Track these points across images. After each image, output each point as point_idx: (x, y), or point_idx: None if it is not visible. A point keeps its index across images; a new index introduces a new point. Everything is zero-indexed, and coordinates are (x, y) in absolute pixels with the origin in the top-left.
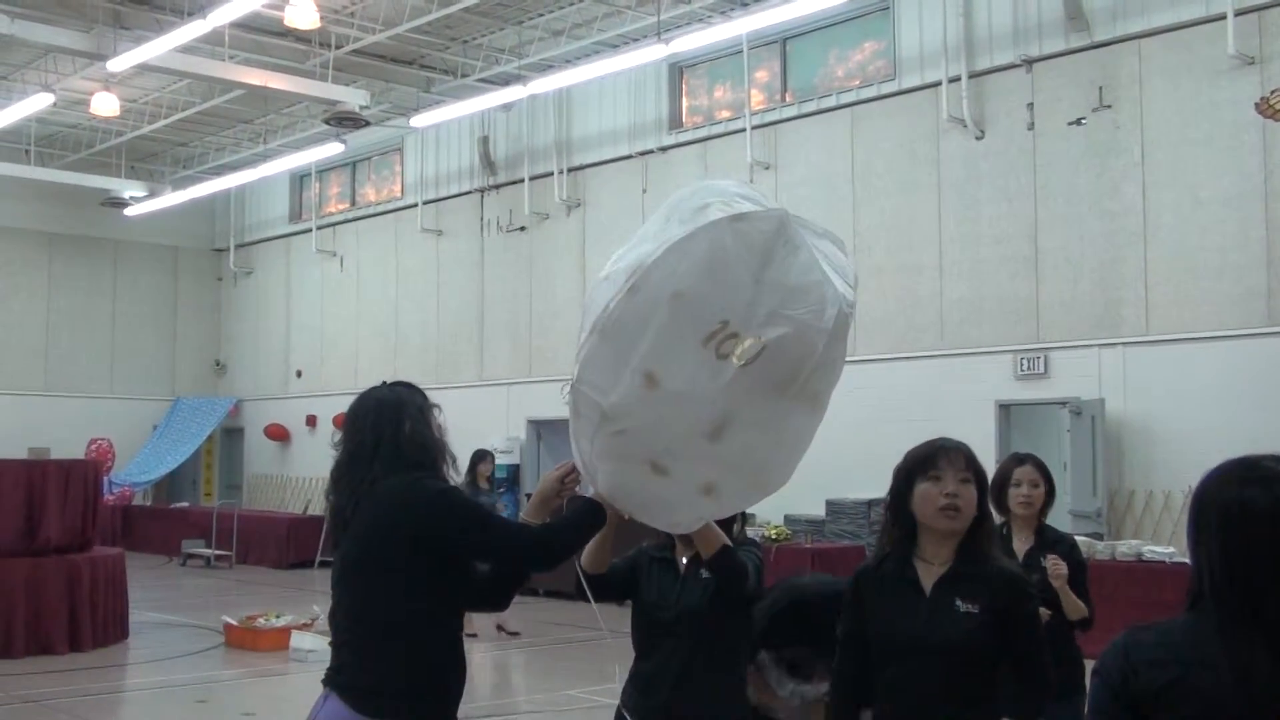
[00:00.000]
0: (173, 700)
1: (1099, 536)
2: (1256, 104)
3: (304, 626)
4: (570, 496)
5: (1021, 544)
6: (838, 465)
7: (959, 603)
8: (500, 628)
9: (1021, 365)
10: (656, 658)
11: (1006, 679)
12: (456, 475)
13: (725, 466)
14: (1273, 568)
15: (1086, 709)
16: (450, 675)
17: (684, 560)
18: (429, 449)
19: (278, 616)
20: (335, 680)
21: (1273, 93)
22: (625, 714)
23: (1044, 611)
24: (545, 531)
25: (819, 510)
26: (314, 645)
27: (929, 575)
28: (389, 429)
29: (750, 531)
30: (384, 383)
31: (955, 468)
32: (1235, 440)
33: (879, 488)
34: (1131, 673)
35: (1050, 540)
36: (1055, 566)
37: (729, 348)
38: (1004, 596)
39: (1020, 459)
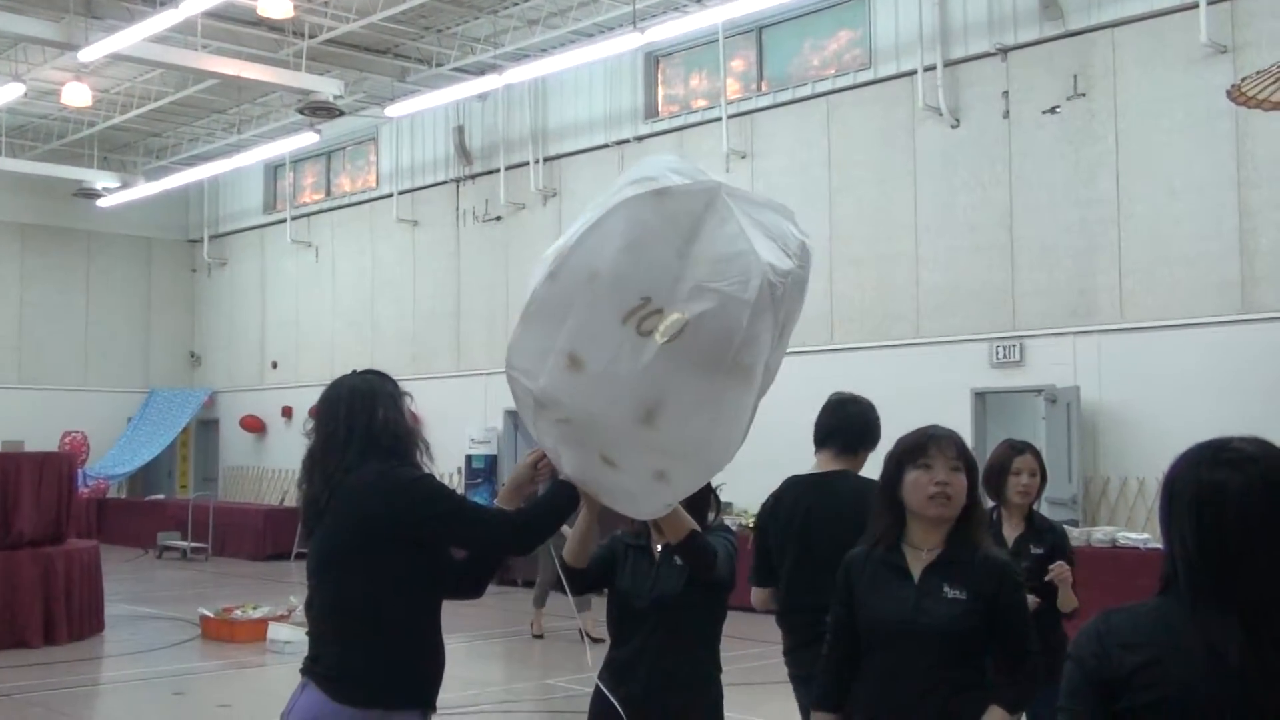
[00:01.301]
0: (149, 693)
1: (1074, 523)
2: (1229, 92)
3: (281, 618)
4: (544, 482)
5: (1011, 530)
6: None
7: (946, 589)
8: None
9: (997, 353)
10: (631, 645)
11: (996, 666)
12: (430, 463)
13: (668, 452)
14: (1244, 549)
15: (1061, 691)
16: (429, 663)
17: (659, 548)
18: (402, 437)
19: (254, 608)
20: (313, 670)
21: (1245, 80)
22: (604, 689)
23: (1032, 599)
24: (519, 515)
25: None
26: (291, 636)
27: (918, 562)
28: (362, 417)
29: (728, 520)
30: (355, 371)
31: (946, 456)
32: (1209, 427)
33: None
34: (1104, 655)
35: (1040, 528)
36: (1060, 571)
37: (651, 324)
38: (992, 584)
39: (1019, 448)
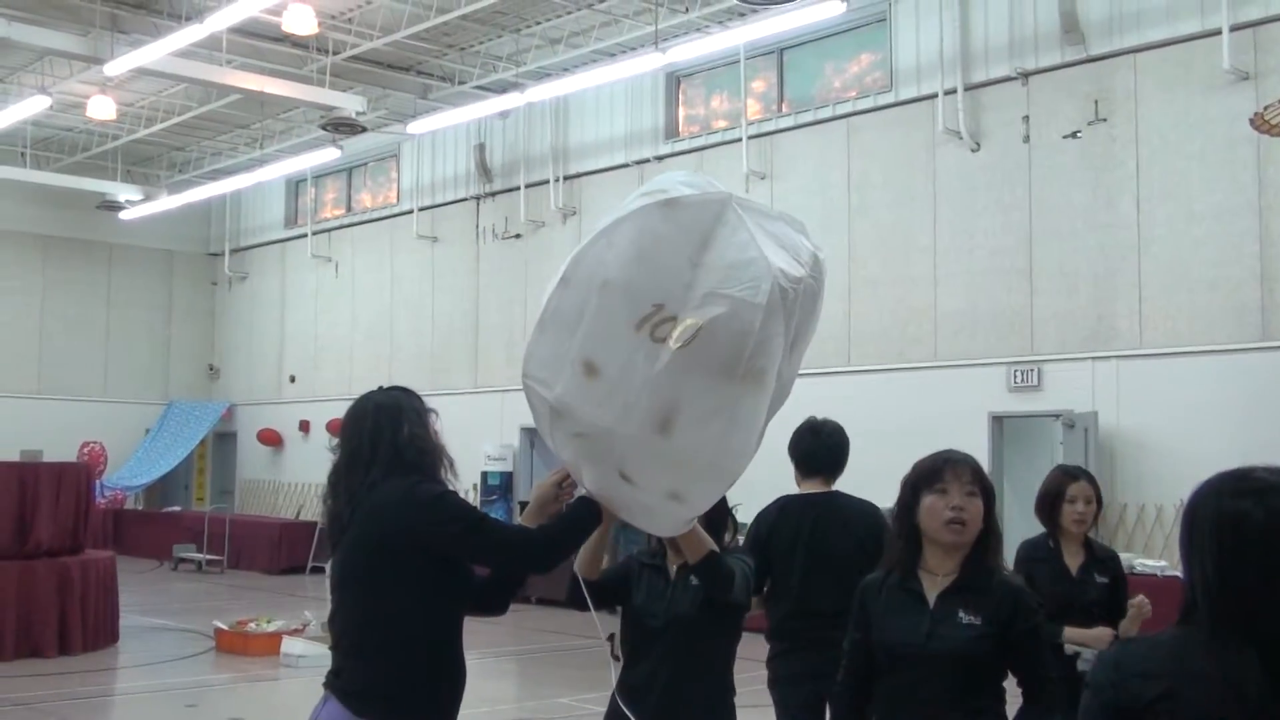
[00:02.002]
0: (163, 705)
1: None
2: (1251, 119)
3: (295, 632)
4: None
5: (1073, 558)
6: None
7: (961, 614)
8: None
9: (1015, 377)
10: (646, 665)
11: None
12: (454, 479)
13: (683, 465)
14: (1265, 580)
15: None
16: (449, 679)
17: (674, 567)
18: (427, 453)
19: (269, 621)
20: (334, 683)
21: (1267, 108)
22: (621, 704)
23: (1108, 631)
24: (542, 533)
25: None
26: (305, 650)
27: (933, 587)
28: (387, 433)
29: (743, 540)
30: (380, 387)
31: (961, 481)
32: (1228, 454)
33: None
34: (1121, 685)
35: (1101, 556)
36: (1143, 608)
37: (664, 331)
38: (1007, 609)
39: (1073, 474)
